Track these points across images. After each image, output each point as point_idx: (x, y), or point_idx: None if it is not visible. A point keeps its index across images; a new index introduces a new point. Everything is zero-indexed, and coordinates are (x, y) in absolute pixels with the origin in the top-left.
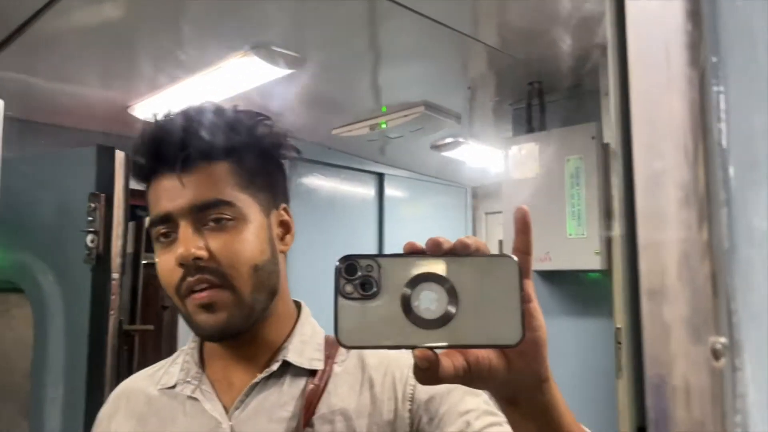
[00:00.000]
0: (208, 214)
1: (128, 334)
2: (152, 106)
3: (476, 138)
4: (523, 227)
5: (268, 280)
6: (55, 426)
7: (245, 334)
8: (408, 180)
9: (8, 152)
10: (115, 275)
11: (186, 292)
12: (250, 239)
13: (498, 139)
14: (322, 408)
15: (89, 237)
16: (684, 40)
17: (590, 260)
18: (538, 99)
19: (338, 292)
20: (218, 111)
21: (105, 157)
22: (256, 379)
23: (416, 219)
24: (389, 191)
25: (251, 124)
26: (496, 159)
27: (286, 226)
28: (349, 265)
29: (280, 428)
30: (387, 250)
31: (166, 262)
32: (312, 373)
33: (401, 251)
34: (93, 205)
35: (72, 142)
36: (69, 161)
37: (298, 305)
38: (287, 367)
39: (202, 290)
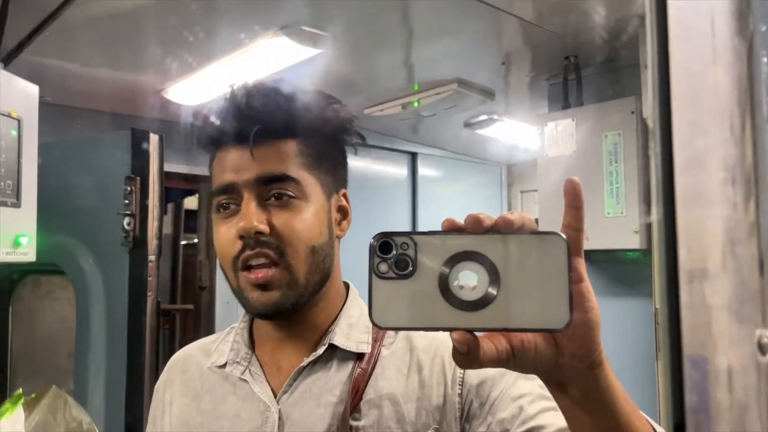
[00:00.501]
0: (272, 188)
1: (169, 314)
2: (184, 89)
3: (511, 115)
4: (574, 200)
5: (323, 263)
6: (99, 403)
7: (295, 315)
8: (441, 159)
9: (45, 137)
10: (152, 257)
11: (243, 266)
12: (311, 219)
13: (533, 115)
14: (370, 392)
15: (126, 220)
16: (730, 7)
17: (629, 239)
18: (574, 73)
19: (372, 271)
20: (291, 89)
21: (139, 140)
22: (303, 363)
23: (450, 198)
24: (422, 170)
25: (322, 106)
26: (531, 136)
27: (344, 212)
28: (383, 243)
29: (328, 413)
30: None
31: (225, 234)
32: (359, 356)
33: (439, 229)
34: (129, 188)
35: (107, 126)
36: (105, 145)
37: (346, 286)
38: (335, 351)
39: (259, 267)
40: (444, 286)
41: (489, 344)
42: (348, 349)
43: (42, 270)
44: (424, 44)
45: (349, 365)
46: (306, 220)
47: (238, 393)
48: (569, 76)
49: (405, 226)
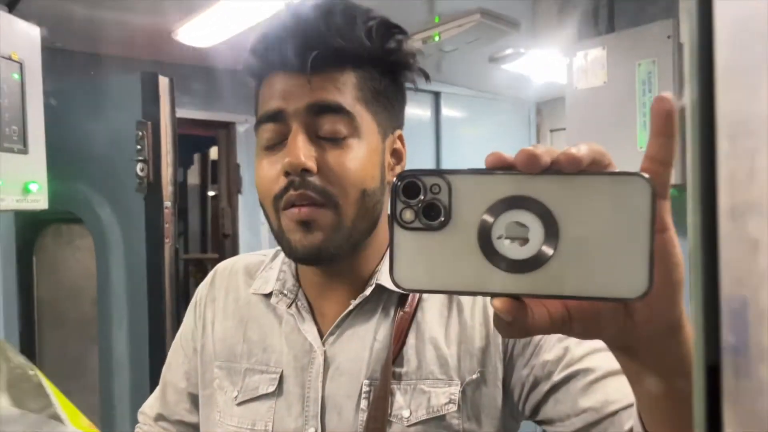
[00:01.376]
0: (324, 121)
1: (200, 262)
2: (195, 29)
3: (539, 47)
4: (665, 125)
5: (373, 210)
6: (122, 349)
7: (339, 263)
8: (466, 98)
9: (54, 83)
10: (168, 203)
11: (286, 205)
12: (364, 161)
13: (564, 48)
14: (411, 338)
15: (139, 166)
16: None
17: None
18: None
19: (395, 218)
20: (354, 13)
21: (149, 83)
22: (351, 306)
23: (476, 140)
24: (446, 111)
25: (386, 36)
26: (561, 70)
27: (398, 156)
28: (409, 184)
29: (372, 359)
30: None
31: (269, 170)
32: (402, 299)
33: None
34: (140, 133)
35: (117, 70)
36: (114, 90)
37: None
38: (381, 293)
39: (302, 206)
40: (485, 241)
41: (541, 309)
42: (394, 288)
43: (62, 219)
44: None
45: (392, 309)
46: (359, 160)
47: (284, 328)
48: (600, 1)
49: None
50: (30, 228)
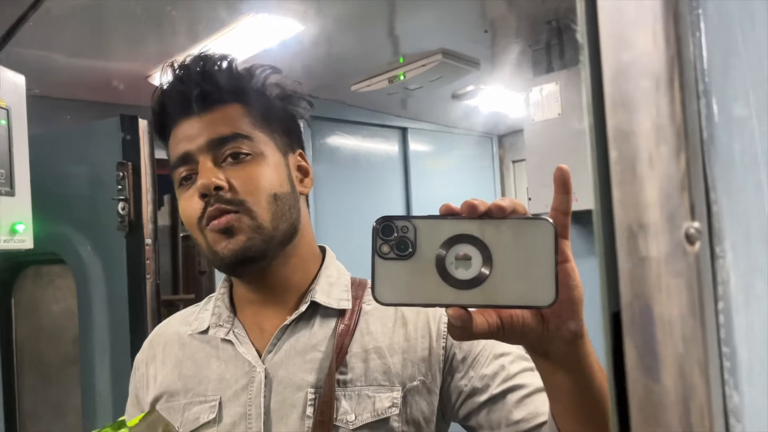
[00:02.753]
0: (226, 149)
1: (172, 304)
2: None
3: (498, 84)
4: (562, 186)
5: (288, 213)
6: (105, 388)
7: (268, 270)
8: (432, 133)
9: (35, 129)
10: (149, 241)
11: (206, 222)
12: (269, 172)
13: (519, 83)
14: (355, 347)
15: (120, 205)
16: None
17: None
18: (557, 38)
19: (375, 251)
20: (228, 58)
21: (129, 125)
22: (286, 322)
23: (443, 172)
24: (414, 146)
25: (261, 73)
26: (519, 104)
27: (304, 171)
28: (385, 226)
29: (314, 368)
30: (414, 206)
31: (188, 200)
32: (341, 313)
33: (433, 209)
34: (121, 173)
35: (96, 115)
36: (95, 133)
37: (322, 250)
38: (316, 309)
39: (220, 215)
40: (441, 266)
41: (481, 318)
42: (329, 305)
43: (41, 260)
44: (408, 15)
45: (332, 322)
46: (263, 172)
47: (221, 356)
48: (552, 41)
49: (399, 203)
50: (8, 270)
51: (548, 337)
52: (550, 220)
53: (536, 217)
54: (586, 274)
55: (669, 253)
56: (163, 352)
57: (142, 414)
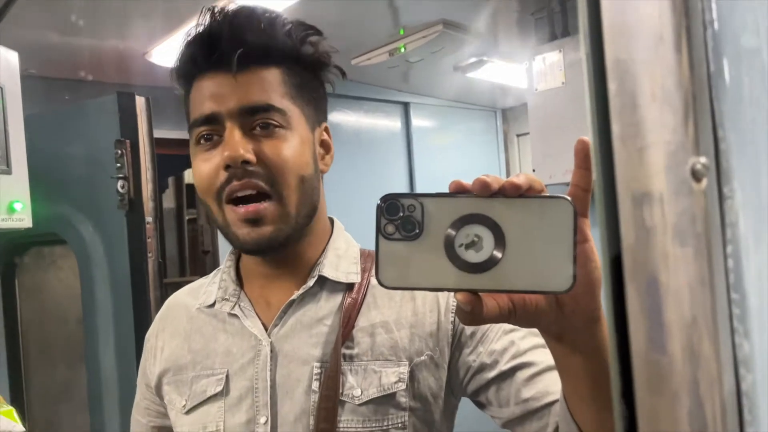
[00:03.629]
0: (256, 119)
1: (179, 286)
2: (168, 50)
3: (501, 56)
4: (583, 161)
5: (312, 195)
6: (110, 366)
7: (285, 250)
8: (435, 107)
9: (32, 109)
10: (149, 219)
11: (229, 198)
12: (298, 150)
13: (522, 54)
14: (362, 321)
15: (119, 183)
16: None
17: None
18: (559, 5)
19: (379, 231)
20: (273, 15)
21: (126, 103)
22: (293, 297)
23: (446, 148)
24: (416, 121)
25: (303, 34)
26: (522, 77)
27: (326, 146)
28: (390, 205)
29: (320, 342)
30: (418, 182)
31: (208, 166)
32: (349, 287)
33: (436, 185)
34: (119, 151)
35: (93, 95)
36: (92, 111)
37: (330, 221)
38: (324, 283)
39: (248, 201)
40: (449, 248)
41: (492, 302)
42: (337, 279)
43: (43, 241)
44: None
45: (339, 296)
46: (294, 148)
47: (228, 329)
48: (554, 8)
49: (402, 179)
50: (11, 252)
51: (563, 320)
52: (569, 199)
53: (554, 195)
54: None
55: (674, 191)
56: (172, 325)
57: None
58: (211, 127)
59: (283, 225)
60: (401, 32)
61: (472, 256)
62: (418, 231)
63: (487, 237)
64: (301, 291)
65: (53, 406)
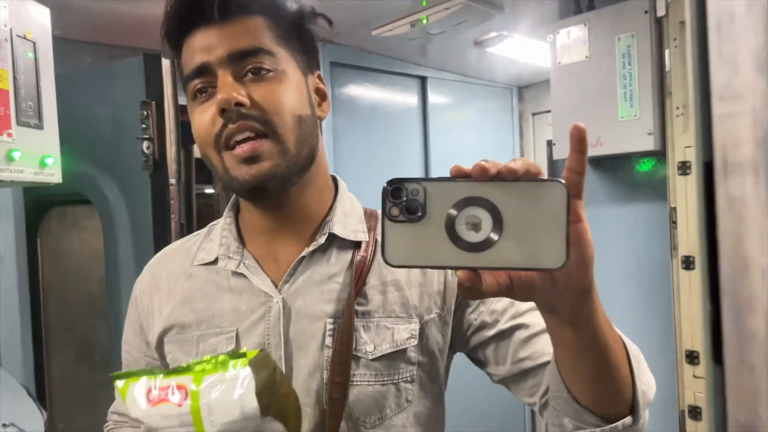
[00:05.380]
0: (247, 63)
1: None
2: None
3: (522, 31)
4: (578, 145)
5: (310, 137)
6: None
7: (286, 198)
8: (451, 83)
9: (57, 71)
10: (173, 180)
11: (226, 143)
12: (292, 91)
13: (545, 30)
14: (372, 279)
15: (144, 144)
16: None
17: (643, 142)
18: None
19: (385, 214)
20: None
21: (152, 65)
22: (304, 253)
23: (461, 124)
24: (432, 97)
25: None
26: (542, 53)
27: (322, 94)
28: (395, 189)
29: (332, 299)
30: (432, 158)
31: (204, 116)
32: (357, 245)
33: (451, 162)
34: (145, 112)
35: (117, 58)
36: (118, 73)
37: (334, 179)
38: (333, 240)
39: (244, 141)
40: (451, 229)
41: (491, 279)
42: (347, 237)
43: (66, 201)
44: None
45: (348, 254)
46: (287, 90)
47: (233, 287)
48: None
49: (417, 155)
50: (33, 211)
51: (557, 294)
52: (563, 182)
53: (549, 179)
54: (608, 222)
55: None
56: (167, 284)
57: (255, 351)
58: (204, 79)
59: (281, 161)
60: (424, 3)
61: (472, 237)
62: (421, 213)
63: (486, 218)
64: (312, 248)
65: (74, 362)
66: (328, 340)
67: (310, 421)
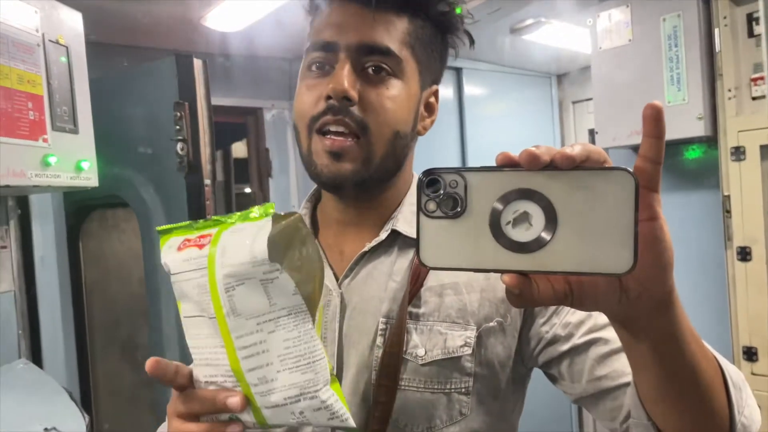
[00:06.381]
0: (371, 59)
1: None
2: (223, 14)
3: (560, 17)
4: (654, 128)
5: (400, 153)
6: (171, 325)
7: (363, 196)
8: (488, 73)
9: (93, 74)
10: (207, 181)
11: (319, 128)
12: (402, 102)
13: (582, 15)
14: (431, 280)
15: (179, 145)
16: None
17: (692, 127)
18: None
19: (420, 209)
20: None
21: (184, 65)
22: (365, 248)
23: (499, 116)
24: (468, 88)
25: None
26: (583, 38)
27: (431, 109)
28: (431, 180)
29: (387, 298)
30: (470, 153)
31: (311, 93)
32: None
33: (489, 156)
34: (178, 113)
35: (150, 60)
36: (151, 74)
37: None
38: (397, 237)
39: (336, 135)
40: (495, 227)
41: (545, 284)
42: (410, 235)
43: (105, 204)
44: None
45: (411, 252)
46: (398, 100)
47: None
48: None
49: (454, 150)
50: (75, 215)
51: (628, 305)
52: (630, 171)
53: (613, 167)
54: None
55: None
56: None
57: (286, 214)
58: (326, 56)
59: (363, 169)
60: None
61: (520, 235)
62: (460, 208)
63: (537, 214)
64: (373, 243)
65: (118, 362)
66: (379, 340)
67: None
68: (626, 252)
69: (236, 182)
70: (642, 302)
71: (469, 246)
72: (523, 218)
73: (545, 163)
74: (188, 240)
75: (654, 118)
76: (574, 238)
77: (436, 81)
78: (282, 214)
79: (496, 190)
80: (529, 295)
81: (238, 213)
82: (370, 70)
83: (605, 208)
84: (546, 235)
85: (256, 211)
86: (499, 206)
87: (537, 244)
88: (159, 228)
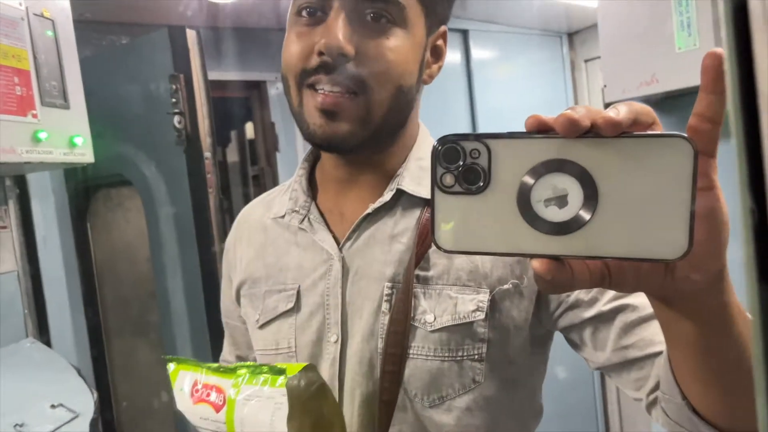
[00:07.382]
0: (369, 6)
1: None
2: None
3: None
4: (713, 82)
5: (404, 109)
6: (179, 300)
7: (362, 156)
8: (495, 34)
9: (88, 52)
10: (207, 154)
11: (311, 84)
12: (405, 54)
13: None
14: None
15: (176, 118)
16: None
17: None
18: None
19: (435, 183)
20: None
21: (177, 37)
22: (368, 210)
23: (509, 80)
24: (476, 51)
25: None
26: None
27: (438, 54)
28: (448, 149)
29: (393, 261)
30: (480, 120)
31: (300, 44)
32: (428, 202)
33: (500, 122)
34: (174, 86)
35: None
36: (143, 48)
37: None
38: (401, 197)
39: (330, 91)
40: (524, 204)
41: (581, 267)
42: (416, 194)
43: (109, 183)
44: None
45: (417, 212)
46: (400, 52)
47: (299, 242)
48: None
49: (463, 117)
50: (81, 195)
51: (673, 285)
52: (687, 137)
53: (666, 133)
54: None
55: None
56: (248, 235)
57: (301, 365)
58: (317, 2)
59: (361, 129)
60: None
61: (555, 215)
62: (483, 183)
63: (575, 190)
64: (376, 204)
65: (130, 340)
66: (385, 306)
67: (361, 393)
68: (680, 234)
69: (252, 164)
70: (688, 282)
71: (493, 227)
72: (558, 194)
73: (585, 129)
74: (197, 384)
75: (713, 70)
76: (618, 218)
77: (444, 21)
78: (295, 377)
79: (526, 162)
80: (562, 282)
81: (247, 365)
82: (368, 18)
83: (656, 183)
84: (585, 215)
85: (266, 371)
86: (530, 180)
87: (574, 225)
88: (165, 356)
